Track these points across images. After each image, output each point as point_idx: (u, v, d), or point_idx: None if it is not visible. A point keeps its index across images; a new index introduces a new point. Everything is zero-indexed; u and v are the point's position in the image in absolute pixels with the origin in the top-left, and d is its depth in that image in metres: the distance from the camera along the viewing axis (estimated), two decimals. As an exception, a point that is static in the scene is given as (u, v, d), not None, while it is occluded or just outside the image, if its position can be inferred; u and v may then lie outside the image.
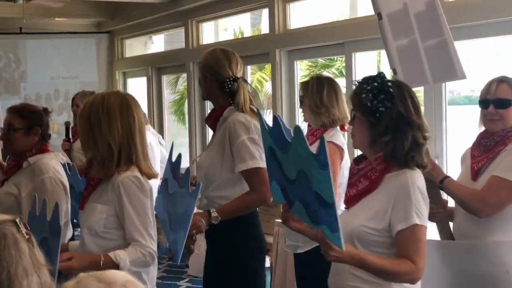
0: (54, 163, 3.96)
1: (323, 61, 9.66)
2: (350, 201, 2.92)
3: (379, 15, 3.52)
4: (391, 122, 2.77)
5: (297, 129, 2.49)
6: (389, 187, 2.79)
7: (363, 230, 2.78)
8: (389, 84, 2.81)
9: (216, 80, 3.85)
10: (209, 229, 3.75)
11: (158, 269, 7.93)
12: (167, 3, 9.31)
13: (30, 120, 4.00)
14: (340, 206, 3.39)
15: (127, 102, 3.17)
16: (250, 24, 11.12)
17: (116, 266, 3.03)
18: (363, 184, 2.86)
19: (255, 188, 3.72)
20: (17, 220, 2.12)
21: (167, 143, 10.34)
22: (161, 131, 10.51)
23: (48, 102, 10.77)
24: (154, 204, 3.49)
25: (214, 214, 3.69)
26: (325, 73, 9.96)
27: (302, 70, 9.88)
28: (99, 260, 3.03)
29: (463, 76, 3.42)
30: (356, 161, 2.98)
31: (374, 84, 2.80)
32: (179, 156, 3.63)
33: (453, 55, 3.36)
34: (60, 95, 10.44)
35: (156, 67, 10.52)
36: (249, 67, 8.81)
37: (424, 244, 2.74)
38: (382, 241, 2.77)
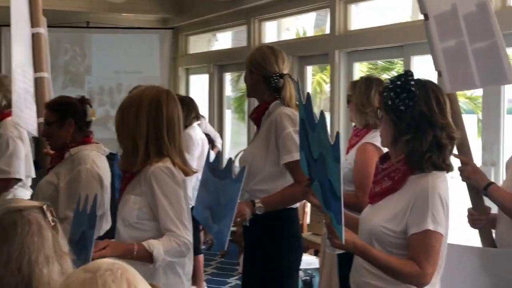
0: (94, 155, 3.99)
1: (384, 64, 9.55)
2: (374, 197, 2.95)
3: (425, 16, 3.46)
4: (412, 121, 2.77)
5: (322, 114, 2.55)
6: (410, 190, 2.78)
7: (381, 230, 2.79)
8: (412, 83, 2.80)
9: (262, 75, 3.88)
10: (248, 228, 3.75)
11: (210, 265, 8.06)
12: (231, 1, 9.35)
13: (61, 112, 4.03)
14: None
15: (158, 98, 3.19)
16: (314, 24, 11.07)
17: (149, 255, 3.04)
18: (386, 183, 2.87)
19: (300, 180, 3.70)
20: (44, 206, 2.13)
21: (227, 140, 10.41)
22: (221, 128, 10.56)
23: (110, 96, 10.95)
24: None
25: (258, 204, 3.71)
26: (385, 76, 9.87)
27: (363, 72, 9.79)
28: (132, 249, 3.04)
29: None
30: (381, 160, 3.00)
31: (397, 83, 2.80)
32: (219, 155, 3.65)
33: (503, 59, 3.26)
34: (123, 89, 10.51)
35: (218, 64, 10.57)
36: (309, 68, 8.77)
37: (436, 251, 2.72)
38: (399, 243, 2.77)
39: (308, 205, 7.35)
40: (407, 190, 2.79)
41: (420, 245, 2.70)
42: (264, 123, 3.86)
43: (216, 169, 3.55)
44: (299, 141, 3.01)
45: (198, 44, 11.67)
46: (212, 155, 3.65)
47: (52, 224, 2.09)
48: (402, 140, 2.78)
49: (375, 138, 4.21)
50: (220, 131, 10.41)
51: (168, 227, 3.10)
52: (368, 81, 4.38)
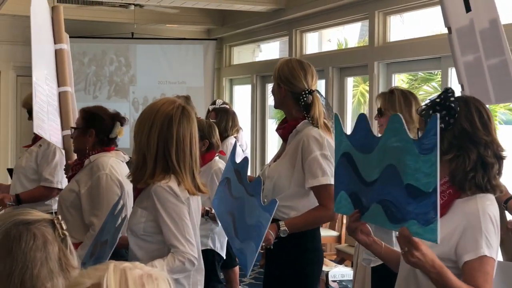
0: (113, 161, 4.08)
1: (423, 75, 9.47)
2: None
3: (449, 29, 3.45)
4: (453, 139, 2.63)
5: (396, 117, 2.42)
6: (458, 214, 2.62)
7: None
8: (452, 99, 2.67)
9: (290, 91, 3.82)
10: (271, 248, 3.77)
11: (247, 275, 8.08)
12: (273, 12, 9.42)
13: (86, 121, 4.16)
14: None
15: (171, 116, 3.17)
16: (358, 35, 11.05)
17: None
18: None
19: (325, 204, 3.70)
20: (55, 219, 2.16)
21: (269, 149, 10.42)
22: (263, 138, 10.60)
23: (154, 105, 11.04)
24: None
25: (283, 227, 3.69)
26: (425, 87, 9.80)
27: (404, 82, 9.72)
28: None
29: None
30: None
31: (436, 100, 2.68)
32: (246, 160, 3.62)
33: (513, 76, 3.24)
34: (167, 100, 10.64)
35: (261, 75, 10.62)
36: (350, 79, 8.76)
37: (491, 278, 2.56)
38: None
39: (345, 216, 7.33)
40: (454, 214, 2.63)
41: (477, 272, 2.53)
42: (291, 142, 3.83)
43: (240, 173, 3.56)
44: (335, 180, 2.92)
45: (242, 54, 11.75)
46: (239, 156, 3.66)
47: (62, 237, 2.10)
48: (444, 160, 2.61)
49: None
50: (263, 140, 10.46)
51: (172, 243, 3.12)
52: (405, 95, 4.20)
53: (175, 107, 3.20)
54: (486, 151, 2.63)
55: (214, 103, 8.00)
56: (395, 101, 4.25)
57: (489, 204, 2.60)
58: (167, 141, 3.16)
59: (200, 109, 7.83)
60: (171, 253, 3.12)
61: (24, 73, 9.96)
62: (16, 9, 9.27)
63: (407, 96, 4.23)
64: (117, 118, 4.21)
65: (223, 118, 6.95)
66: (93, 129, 4.13)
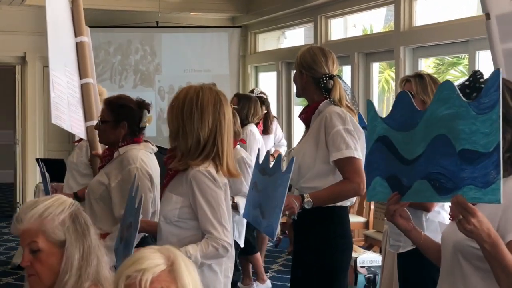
0: (142, 154, 4.06)
1: (450, 59, 9.39)
2: None
3: (487, 15, 3.40)
4: None
5: (447, 83, 2.40)
6: None
7: (467, 243, 2.56)
8: (482, 80, 2.63)
9: (312, 76, 3.89)
10: (298, 224, 3.77)
11: (276, 262, 8.10)
12: (297, -1, 9.39)
13: (117, 114, 4.10)
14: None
15: (220, 100, 3.23)
16: (384, 20, 10.98)
17: None
18: None
19: (349, 177, 3.72)
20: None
21: (295, 136, 10.41)
22: (289, 125, 10.59)
23: (180, 94, 11.06)
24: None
25: (307, 198, 3.70)
26: (452, 72, 9.72)
27: (430, 67, 9.65)
28: None
29: None
30: None
31: (465, 83, 2.62)
32: (267, 154, 3.66)
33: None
34: (193, 88, 10.64)
35: (286, 62, 10.60)
36: (376, 65, 8.71)
37: None
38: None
39: (373, 202, 7.31)
40: None
41: None
42: (314, 122, 3.88)
43: (265, 169, 3.59)
44: (367, 167, 2.90)
45: (267, 41, 11.73)
46: (262, 155, 3.68)
47: None
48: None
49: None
50: (289, 127, 10.44)
51: (207, 229, 3.14)
52: (434, 80, 4.18)
53: (216, 91, 3.27)
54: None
55: (252, 91, 8.01)
56: (426, 85, 4.22)
57: None
58: (221, 123, 3.21)
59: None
60: (205, 239, 3.13)
61: (51, 64, 10.05)
62: (41, 0, 9.31)
63: (436, 81, 4.21)
64: (144, 106, 4.19)
65: (245, 105, 6.96)
66: (125, 121, 4.10)
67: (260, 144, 6.69)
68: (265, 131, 7.96)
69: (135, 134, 4.13)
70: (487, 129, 2.28)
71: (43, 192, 5.16)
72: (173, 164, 3.23)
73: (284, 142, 8.47)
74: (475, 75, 2.66)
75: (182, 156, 3.21)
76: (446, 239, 2.73)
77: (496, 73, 2.25)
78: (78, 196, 5.12)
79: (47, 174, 4.97)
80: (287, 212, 3.63)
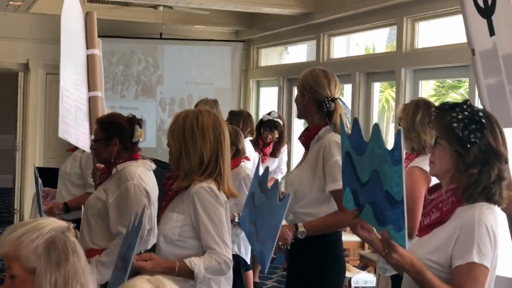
0: (140, 171, 4.10)
1: (451, 82, 9.42)
2: (422, 230, 2.85)
3: (472, 51, 3.46)
4: (480, 153, 2.67)
5: (376, 126, 2.54)
6: (457, 221, 2.68)
7: (426, 262, 2.69)
8: (480, 114, 2.72)
9: (314, 98, 3.90)
10: (291, 248, 3.79)
11: (271, 278, 8.10)
12: (301, 16, 9.43)
13: (107, 131, 4.17)
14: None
15: (219, 121, 3.32)
16: (386, 39, 11.03)
17: (191, 272, 3.12)
18: (434, 215, 2.77)
19: (344, 209, 3.74)
20: (71, 226, 2.28)
21: (295, 150, 10.43)
22: (289, 139, 10.60)
23: (181, 106, 11.09)
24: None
25: (301, 228, 3.74)
26: (452, 95, 9.75)
27: (432, 89, 9.69)
28: (174, 267, 3.14)
29: None
30: (429, 191, 2.90)
31: (464, 113, 2.70)
32: (267, 169, 3.69)
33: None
34: (194, 100, 10.57)
35: (288, 77, 10.64)
36: (377, 85, 8.75)
37: (481, 285, 2.61)
38: (443, 277, 2.66)
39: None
40: (454, 221, 2.70)
41: (465, 278, 2.60)
42: (313, 148, 3.89)
43: (263, 185, 3.62)
44: (342, 176, 3.01)
45: (270, 57, 11.77)
46: (261, 169, 3.71)
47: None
48: (466, 173, 2.68)
49: (423, 162, 4.17)
50: (289, 142, 10.45)
51: (210, 245, 3.17)
52: (416, 105, 4.32)
53: (214, 113, 3.37)
54: (504, 165, 2.71)
55: (269, 114, 8.05)
56: (406, 110, 4.32)
57: (488, 213, 2.66)
58: (221, 143, 3.28)
59: (226, 111, 7.88)
60: (208, 253, 3.16)
61: (54, 71, 10.06)
62: (46, 8, 9.39)
63: (418, 106, 4.29)
64: (135, 121, 4.23)
65: (234, 120, 7.01)
66: (116, 138, 4.15)
67: (252, 161, 6.70)
68: (273, 153, 7.99)
69: (129, 149, 4.16)
70: (397, 179, 2.43)
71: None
72: (176, 184, 3.27)
73: (284, 169, 8.45)
74: (470, 106, 2.73)
75: (186, 176, 3.25)
76: None
77: (398, 133, 2.38)
78: (68, 206, 5.15)
79: (39, 180, 5.00)
80: (280, 243, 3.65)
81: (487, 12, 3.28)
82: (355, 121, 2.81)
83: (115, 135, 4.15)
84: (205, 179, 3.22)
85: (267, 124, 7.77)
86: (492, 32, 3.29)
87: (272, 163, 7.96)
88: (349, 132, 2.87)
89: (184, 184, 3.24)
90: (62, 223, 2.28)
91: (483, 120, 2.69)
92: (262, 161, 7.50)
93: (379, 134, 2.54)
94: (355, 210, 2.81)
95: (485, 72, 3.39)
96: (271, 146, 7.87)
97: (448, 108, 2.77)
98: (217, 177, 3.26)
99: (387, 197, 2.49)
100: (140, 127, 4.22)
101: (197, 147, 3.23)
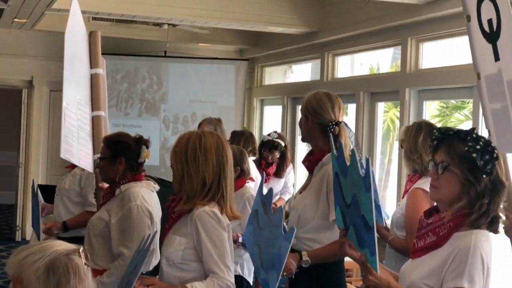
0: (144, 192, 4.09)
1: (455, 103, 9.41)
2: (416, 252, 2.86)
3: (478, 75, 3.43)
4: (490, 183, 2.71)
5: (353, 152, 2.60)
6: (453, 246, 2.70)
7: (421, 286, 2.72)
8: (492, 144, 2.75)
9: (318, 122, 3.87)
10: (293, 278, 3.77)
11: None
12: (305, 35, 9.43)
13: (113, 150, 4.18)
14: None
15: (222, 143, 3.31)
16: (391, 58, 11.03)
17: None
18: (430, 238, 2.79)
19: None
20: (81, 249, 2.24)
21: (299, 169, 10.41)
22: (293, 158, 10.55)
23: (185, 124, 11.10)
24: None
25: (305, 257, 3.71)
26: (457, 115, 9.72)
27: (436, 110, 9.66)
28: None
29: None
30: (426, 214, 2.90)
31: (480, 143, 2.73)
32: (271, 190, 3.65)
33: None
34: (197, 118, 10.61)
35: (292, 96, 10.63)
36: (381, 104, 8.73)
37: None
38: None
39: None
40: (449, 246, 2.72)
41: None
42: (317, 174, 3.86)
43: (267, 205, 3.59)
44: (334, 195, 3.04)
45: (274, 75, 11.77)
46: (265, 189, 3.69)
47: (86, 267, 2.21)
48: (478, 203, 2.70)
49: (426, 183, 4.15)
50: (292, 161, 10.42)
51: (212, 269, 3.16)
52: (419, 126, 4.31)
53: (217, 135, 3.36)
54: (505, 194, 2.77)
55: (269, 134, 8.04)
56: (408, 132, 4.31)
57: (483, 240, 2.69)
58: (224, 165, 3.27)
59: (230, 129, 7.87)
60: (210, 278, 3.15)
61: (58, 88, 10.08)
62: (50, 26, 9.43)
63: (420, 128, 4.28)
64: (142, 142, 4.22)
65: (235, 140, 6.99)
66: (122, 157, 4.15)
67: (255, 178, 6.67)
68: (277, 174, 7.96)
69: (134, 170, 4.15)
70: (369, 205, 2.51)
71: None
72: (179, 207, 3.25)
73: (291, 189, 8.42)
74: (482, 136, 2.73)
75: (188, 199, 3.23)
76: (402, 278, 2.89)
77: (367, 162, 2.43)
78: (67, 225, 5.12)
79: (40, 197, 4.99)
80: (284, 274, 3.62)
81: (492, 37, 3.26)
82: (339, 146, 2.87)
83: (121, 154, 4.16)
84: (208, 203, 3.21)
85: (267, 145, 7.76)
86: (497, 57, 3.27)
87: (277, 183, 7.93)
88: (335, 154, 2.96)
89: (187, 208, 3.23)
90: (70, 246, 2.24)
91: (496, 151, 2.72)
92: (266, 181, 7.46)
93: (355, 160, 2.60)
94: (343, 230, 2.91)
95: (490, 96, 3.37)
96: (274, 166, 7.85)
97: (453, 134, 2.77)
98: (220, 200, 3.25)
99: (363, 221, 2.57)
100: (147, 147, 4.22)
101: (199, 170, 3.22)
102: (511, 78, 3.19)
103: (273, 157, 7.78)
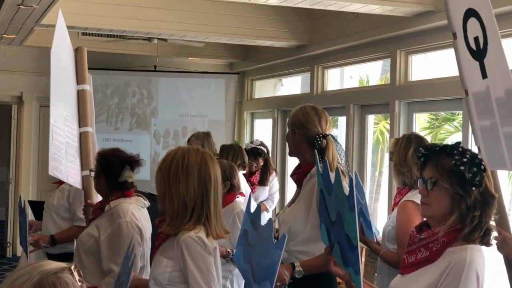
0: (133, 208, 4.07)
1: (445, 115, 9.43)
2: (406, 268, 2.84)
3: (466, 91, 3.46)
4: (479, 196, 2.70)
5: (337, 171, 2.60)
6: (446, 261, 2.68)
7: None
8: (479, 156, 2.74)
9: (305, 135, 3.87)
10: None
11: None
12: (295, 49, 9.46)
13: (99, 165, 4.20)
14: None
15: (205, 161, 3.22)
16: (380, 71, 11.05)
17: None
18: (422, 254, 2.76)
19: None
20: (72, 267, 2.20)
21: (290, 184, 10.41)
22: (283, 173, 10.57)
23: (176, 138, 11.09)
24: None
25: (298, 268, 3.69)
26: (446, 127, 9.74)
27: (426, 122, 9.68)
28: None
29: None
30: (418, 229, 2.88)
31: (466, 156, 2.71)
32: (259, 207, 3.64)
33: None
34: (188, 132, 10.59)
35: (282, 109, 10.64)
36: (371, 117, 8.75)
37: None
38: None
39: (363, 253, 7.28)
40: (443, 261, 2.70)
41: None
42: (306, 186, 3.86)
43: (256, 223, 3.57)
44: (319, 213, 3.04)
45: (264, 88, 11.79)
46: (253, 206, 3.67)
47: (80, 284, 2.14)
48: (470, 216, 2.69)
49: (415, 196, 4.15)
50: (283, 174, 10.43)
51: None
52: (409, 139, 4.31)
53: (202, 152, 3.27)
54: (495, 206, 2.76)
55: (252, 142, 8.04)
56: (398, 144, 4.31)
57: (478, 256, 2.68)
58: (207, 185, 3.19)
59: (221, 143, 7.86)
60: None
61: (48, 104, 10.04)
62: (40, 41, 9.42)
63: (410, 140, 4.28)
64: (128, 162, 4.19)
65: (223, 153, 6.98)
66: (103, 173, 4.15)
67: (245, 192, 6.66)
68: (261, 182, 7.97)
69: (117, 188, 4.13)
70: (354, 224, 2.50)
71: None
72: (164, 228, 3.22)
73: (276, 197, 8.42)
74: (468, 149, 2.74)
75: (171, 220, 3.20)
76: None
77: (351, 180, 2.46)
78: (55, 239, 5.10)
79: (28, 212, 4.97)
80: (278, 284, 3.60)
81: (479, 55, 3.27)
82: (324, 161, 2.87)
83: (102, 171, 4.16)
84: (194, 226, 3.16)
85: (251, 153, 7.77)
86: (484, 75, 3.28)
87: (262, 192, 7.94)
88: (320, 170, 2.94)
89: (172, 232, 3.19)
90: (60, 265, 2.21)
91: (483, 163, 2.71)
92: (252, 191, 7.46)
93: (339, 178, 2.60)
94: (328, 248, 2.91)
95: (478, 113, 3.39)
96: (257, 174, 7.86)
97: (439, 150, 2.76)
98: (205, 222, 3.20)
99: (347, 240, 2.55)
100: (133, 169, 4.17)
101: (180, 191, 3.15)
102: (499, 95, 3.19)
103: (258, 164, 7.82)
